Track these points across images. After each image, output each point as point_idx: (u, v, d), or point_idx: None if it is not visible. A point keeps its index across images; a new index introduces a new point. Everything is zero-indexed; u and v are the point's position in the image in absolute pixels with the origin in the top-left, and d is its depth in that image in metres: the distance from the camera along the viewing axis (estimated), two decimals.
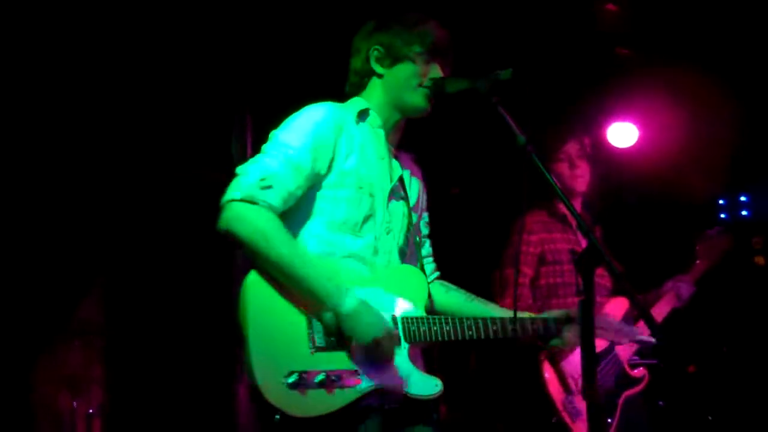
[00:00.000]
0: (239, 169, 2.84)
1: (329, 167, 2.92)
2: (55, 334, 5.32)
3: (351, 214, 2.94)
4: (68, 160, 5.09)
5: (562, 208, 4.63)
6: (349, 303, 2.75)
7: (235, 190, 2.77)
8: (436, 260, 3.39)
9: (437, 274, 3.36)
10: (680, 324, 4.89)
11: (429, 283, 3.21)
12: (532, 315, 3.20)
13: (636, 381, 4.52)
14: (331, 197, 2.93)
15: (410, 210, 3.15)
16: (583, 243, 4.59)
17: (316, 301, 2.75)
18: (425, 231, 3.34)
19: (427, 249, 3.35)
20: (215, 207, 2.86)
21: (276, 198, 2.79)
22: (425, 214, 3.33)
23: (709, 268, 4.84)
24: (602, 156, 5.20)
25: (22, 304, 4.99)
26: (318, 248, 2.91)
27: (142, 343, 5.38)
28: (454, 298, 3.26)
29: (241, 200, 2.75)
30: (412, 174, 3.26)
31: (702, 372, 5.98)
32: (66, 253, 5.23)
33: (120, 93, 5.07)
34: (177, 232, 5.28)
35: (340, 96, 3.19)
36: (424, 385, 2.91)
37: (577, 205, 4.66)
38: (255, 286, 2.76)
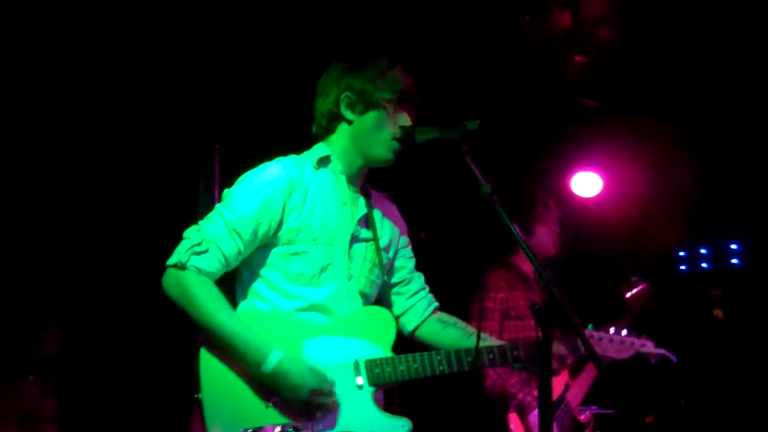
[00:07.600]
0: (185, 233, 2.89)
1: (278, 227, 2.93)
2: (9, 368, 5.20)
3: (306, 267, 2.95)
4: (29, 192, 5.03)
5: (523, 266, 4.77)
6: (270, 361, 2.75)
7: (172, 256, 2.84)
8: (431, 291, 3.33)
9: (434, 306, 3.30)
10: (639, 374, 4.90)
11: (427, 318, 3.23)
12: (503, 343, 3.13)
13: (583, 426, 4.60)
14: (284, 253, 2.95)
15: (379, 250, 3.12)
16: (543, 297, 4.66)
17: (244, 361, 2.78)
18: (409, 265, 3.28)
19: (417, 283, 3.29)
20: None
21: (209, 262, 2.83)
22: (405, 250, 3.28)
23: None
24: (566, 205, 5.27)
25: None
26: (278, 301, 2.94)
27: (99, 380, 5.28)
28: (450, 335, 3.21)
29: (173, 266, 2.82)
30: (384, 213, 3.23)
31: (659, 422, 5.99)
32: (25, 286, 5.14)
33: (86, 126, 5.04)
34: (139, 269, 5.22)
35: (308, 135, 3.18)
36: (390, 427, 2.89)
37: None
38: (206, 349, 2.81)
